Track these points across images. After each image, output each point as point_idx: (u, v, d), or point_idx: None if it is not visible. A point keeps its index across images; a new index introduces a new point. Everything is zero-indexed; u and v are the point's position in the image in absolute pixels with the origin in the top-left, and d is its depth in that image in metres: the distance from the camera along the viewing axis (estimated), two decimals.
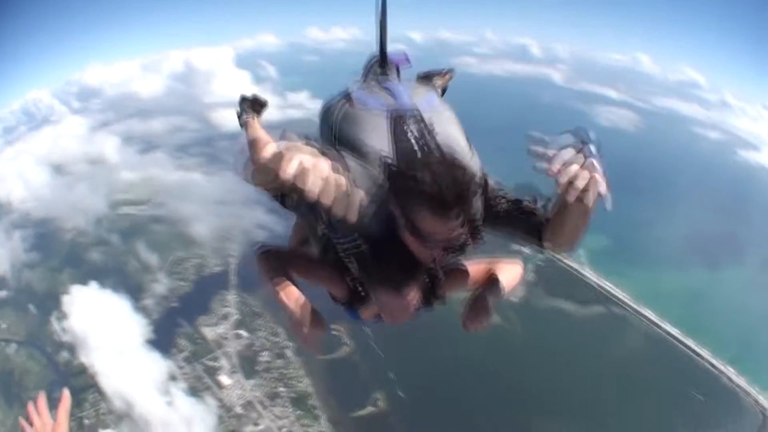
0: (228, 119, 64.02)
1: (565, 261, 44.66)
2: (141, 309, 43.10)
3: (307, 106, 68.21)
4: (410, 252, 2.04)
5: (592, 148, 1.68)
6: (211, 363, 39.25)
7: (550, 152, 1.67)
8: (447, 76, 3.66)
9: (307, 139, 1.82)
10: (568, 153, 1.66)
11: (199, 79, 68.64)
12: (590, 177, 1.61)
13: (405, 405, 36.80)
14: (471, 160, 2.29)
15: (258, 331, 39.59)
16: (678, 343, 39.15)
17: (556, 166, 1.63)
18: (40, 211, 52.06)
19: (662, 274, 46.54)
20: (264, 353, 38.90)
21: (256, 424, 36.40)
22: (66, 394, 2.03)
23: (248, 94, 3.58)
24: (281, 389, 37.72)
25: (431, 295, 2.40)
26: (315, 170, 1.54)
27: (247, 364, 38.63)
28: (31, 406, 2.00)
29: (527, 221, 2.23)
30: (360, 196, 1.68)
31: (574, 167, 1.62)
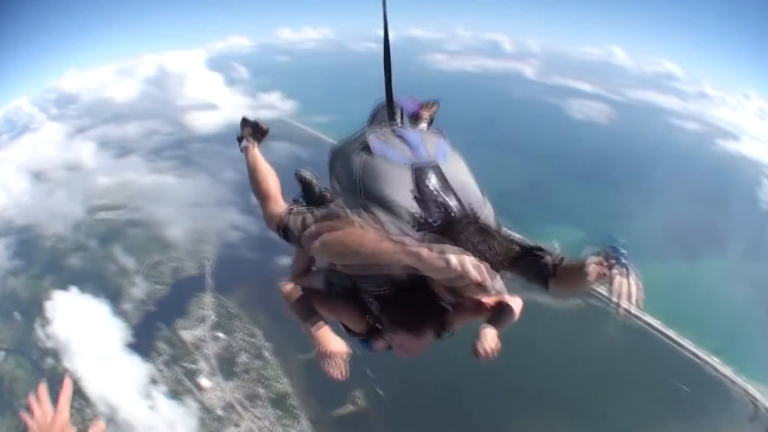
0: (201, 121, 64.73)
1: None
2: (120, 313, 43.33)
3: (278, 106, 69.49)
4: (432, 299, 2.17)
5: (620, 258, 2.04)
6: (190, 366, 39.05)
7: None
8: (433, 108, 3.89)
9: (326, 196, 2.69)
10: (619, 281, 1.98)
11: (172, 83, 69.74)
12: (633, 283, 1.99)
13: (384, 402, 36.28)
14: (485, 208, 2.49)
15: (235, 332, 39.50)
16: (659, 334, 38.97)
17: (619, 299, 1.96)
18: (21, 219, 51.98)
19: (641, 265, 44.47)
20: (242, 354, 38.82)
21: (236, 426, 36.14)
22: (67, 381, 1.97)
23: (250, 117, 3.66)
24: (260, 390, 37.50)
25: (442, 328, 2.48)
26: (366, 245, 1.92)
27: (226, 366, 38.50)
28: (31, 398, 1.94)
29: (536, 269, 2.36)
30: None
31: (624, 285, 2.00)
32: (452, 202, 2.38)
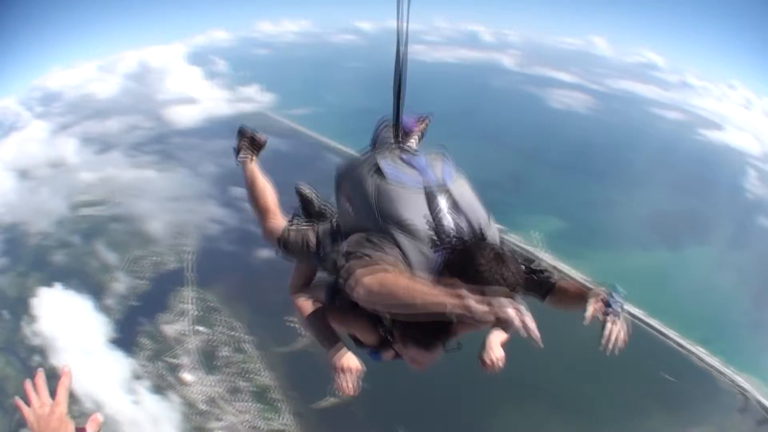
0: (180, 116, 64.52)
1: (520, 244, 43.65)
2: (103, 309, 43.30)
3: (257, 99, 69.75)
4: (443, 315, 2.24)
5: (616, 308, 2.42)
6: (172, 360, 38.96)
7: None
8: (425, 123, 3.92)
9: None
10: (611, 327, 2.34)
11: (153, 78, 70.38)
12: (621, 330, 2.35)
13: (367, 394, 34.65)
14: (492, 227, 2.64)
15: (216, 326, 39.42)
16: (643, 325, 38.49)
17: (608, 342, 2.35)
18: (7, 217, 51.41)
19: (622, 254, 46.06)
20: (223, 348, 38.73)
21: (219, 420, 36.02)
22: (66, 370, 1.91)
23: (248, 128, 3.83)
24: (242, 383, 37.36)
25: (449, 340, 2.58)
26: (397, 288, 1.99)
27: (208, 360, 38.44)
28: (28, 385, 1.89)
29: (536, 285, 2.74)
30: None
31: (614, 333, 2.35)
32: (463, 223, 2.51)
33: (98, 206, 47.25)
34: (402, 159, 2.81)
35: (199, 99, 65.44)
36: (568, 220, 47.06)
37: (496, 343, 3.01)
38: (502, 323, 1.95)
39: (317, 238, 3.24)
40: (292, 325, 38.45)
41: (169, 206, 44.75)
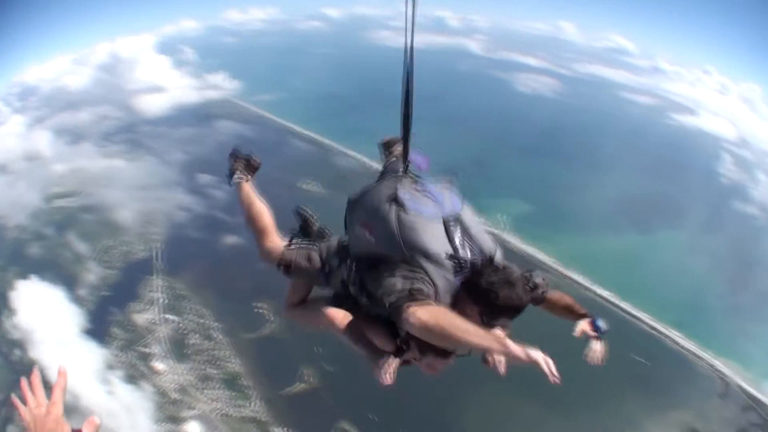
0: (149, 105, 64.31)
1: (487, 228, 42.40)
2: (76, 299, 43.31)
3: (223, 86, 69.81)
4: None
5: (602, 330, 3.04)
6: (144, 349, 38.65)
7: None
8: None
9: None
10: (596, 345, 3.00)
11: (123, 68, 71.18)
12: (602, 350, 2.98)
13: (334, 378, 35.39)
14: (497, 252, 2.94)
15: (185, 313, 39.27)
16: (613, 307, 38.02)
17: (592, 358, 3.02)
18: None
19: (590, 237, 45.72)
20: (192, 336, 38.53)
21: (191, 408, 35.65)
22: (63, 370, 1.97)
23: (241, 151, 3.98)
24: (212, 371, 37.01)
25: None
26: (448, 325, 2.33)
27: (178, 348, 38.20)
28: (24, 384, 1.90)
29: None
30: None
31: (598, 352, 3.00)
32: (475, 249, 2.84)
33: (70, 197, 47.29)
34: (417, 189, 3.03)
35: (167, 88, 65.93)
36: (534, 204, 46.91)
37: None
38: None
39: (321, 257, 3.40)
40: (259, 311, 37.96)
41: (138, 195, 44.91)
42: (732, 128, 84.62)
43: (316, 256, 3.43)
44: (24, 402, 1.83)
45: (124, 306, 40.12)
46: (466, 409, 33.62)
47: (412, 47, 3.32)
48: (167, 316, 39.10)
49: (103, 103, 59.19)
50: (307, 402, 34.76)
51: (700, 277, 44.14)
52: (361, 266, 3.01)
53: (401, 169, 3.39)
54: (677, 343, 37.33)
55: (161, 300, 39.65)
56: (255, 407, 35.06)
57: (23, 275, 45.67)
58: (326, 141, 57.33)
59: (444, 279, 2.66)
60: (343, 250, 3.28)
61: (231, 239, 41.62)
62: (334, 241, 3.52)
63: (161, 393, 35.98)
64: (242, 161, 3.95)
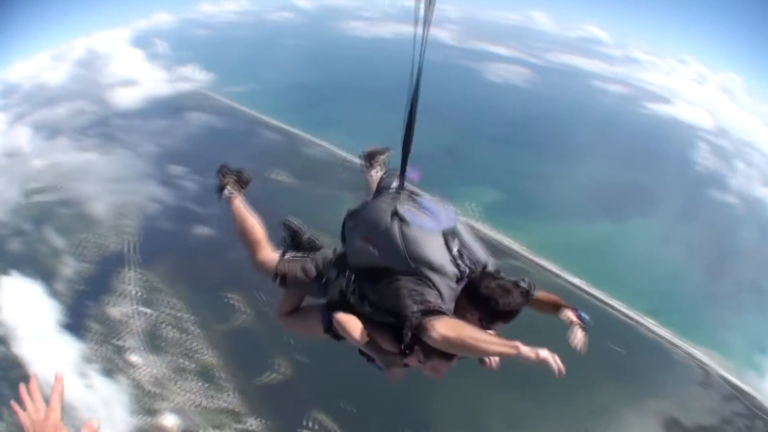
0: (122, 98, 64.34)
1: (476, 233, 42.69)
2: (54, 294, 42.78)
3: (195, 78, 69.69)
4: None
5: (586, 320, 3.20)
6: (119, 343, 38.33)
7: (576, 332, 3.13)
8: (386, 154, 4.55)
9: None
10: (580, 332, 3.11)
11: (99, 63, 71.08)
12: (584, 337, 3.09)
13: (307, 368, 35.43)
14: (489, 259, 3.26)
15: (159, 306, 39.04)
16: (584, 294, 37.68)
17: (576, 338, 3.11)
18: None
19: (561, 226, 45.39)
20: (167, 328, 38.32)
21: (167, 401, 35.47)
22: (59, 376, 2.02)
23: (231, 166, 4.11)
24: (187, 363, 36.81)
25: None
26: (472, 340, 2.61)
27: (152, 341, 38.05)
28: (23, 390, 1.97)
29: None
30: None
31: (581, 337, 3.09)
32: (472, 258, 3.11)
33: (47, 192, 47.12)
34: (415, 205, 3.25)
35: (140, 81, 66.19)
36: (505, 192, 46.67)
37: None
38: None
39: (317, 268, 3.61)
40: (230, 302, 37.69)
41: (111, 188, 45.11)
42: (709, 117, 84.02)
43: (311, 267, 3.62)
44: (23, 407, 1.88)
45: (99, 299, 39.89)
46: (439, 398, 33.15)
47: (419, 74, 3.41)
48: (141, 308, 38.85)
49: (80, 97, 59.49)
50: (281, 392, 34.60)
51: (676, 265, 43.62)
52: (361, 277, 3.19)
53: (398, 185, 3.52)
54: (653, 332, 36.96)
55: (135, 293, 39.47)
56: (229, 398, 34.93)
57: (4, 271, 45.69)
58: (296, 131, 57.04)
59: (448, 288, 2.92)
60: (340, 262, 3.45)
61: (202, 230, 41.44)
62: (327, 251, 3.72)
63: (137, 386, 35.77)
64: (233, 176, 4.03)
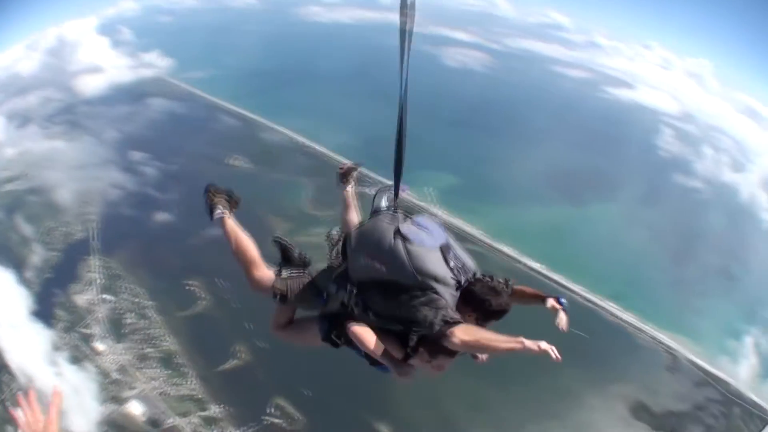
0: (87, 85, 63.67)
1: (414, 200, 42.63)
2: (24, 282, 42.41)
3: (157, 64, 69.80)
4: None
5: (566, 305, 3.54)
6: (85, 330, 37.78)
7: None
8: (358, 170, 4.72)
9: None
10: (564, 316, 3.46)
11: (67, 51, 69.88)
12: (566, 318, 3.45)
13: (266, 354, 34.88)
14: (476, 266, 3.55)
15: (120, 293, 38.52)
16: (543, 279, 37.18)
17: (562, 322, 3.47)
18: None
19: (519, 210, 44.80)
20: (129, 315, 37.77)
21: (132, 388, 35.05)
22: (57, 391, 2.09)
23: (220, 186, 4.11)
24: (149, 350, 36.44)
25: None
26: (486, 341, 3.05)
27: (116, 328, 37.45)
28: (22, 400, 2.03)
29: None
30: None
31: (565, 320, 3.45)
32: (464, 267, 3.40)
33: (17, 181, 46.39)
34: (413, 223, 3.54)
35: (104, 67, 65.93)
36: (462, 177, 46.20)
37: None
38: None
39: (315, 283, 3.78)
40: (190, 288, 37.06)
41: (76, 175, 44.55)
42: (674, 103, 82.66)
43: (308, 283, 3.79)
44: (23, 415, 1.92)
45: (66, 287, 39.33)
46: (397, 383, 32.18)
47: (405, 98, 3.69)
48: (104, 296, 38.30)
49: (48, 85, 59.18)
50: (242, 379, 34.09)
51: (638, 250, 42.87)
52: (364, 290, 3.46)
53: (394, 206, 3.87)
54: (615, 316, 35.76)
55: (98, 280, 38.88)
56: (191, 385, 34.42)
57: None
58: (255, 117, 56.52)
59: (450, 295, 3.26)
60: (339, 278, 3.64)
61: (161, 216, 40.92)
62: (322, 266, 3.89)
63: (103, 373, 35.33)
64: (223, 196, 4.06)
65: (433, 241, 3.36)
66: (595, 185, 51.79)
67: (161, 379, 34.86)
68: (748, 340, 41.17)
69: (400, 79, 3.65)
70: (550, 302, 3.57)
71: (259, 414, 33.23)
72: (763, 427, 35.00)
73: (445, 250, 3.35)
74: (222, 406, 33.89)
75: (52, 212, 42.55)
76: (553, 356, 2.85)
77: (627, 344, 35.97)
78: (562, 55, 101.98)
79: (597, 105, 78.46)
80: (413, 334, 3.17)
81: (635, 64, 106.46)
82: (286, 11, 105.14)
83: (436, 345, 3.12)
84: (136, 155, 46.32)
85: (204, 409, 34.30)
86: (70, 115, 53.64)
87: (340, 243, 3.91)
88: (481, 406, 32.05)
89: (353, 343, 3.52)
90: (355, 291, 3.47)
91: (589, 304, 36.48)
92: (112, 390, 35.05)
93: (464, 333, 3.00)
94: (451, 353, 3.20)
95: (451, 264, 3.30)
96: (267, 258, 3.91)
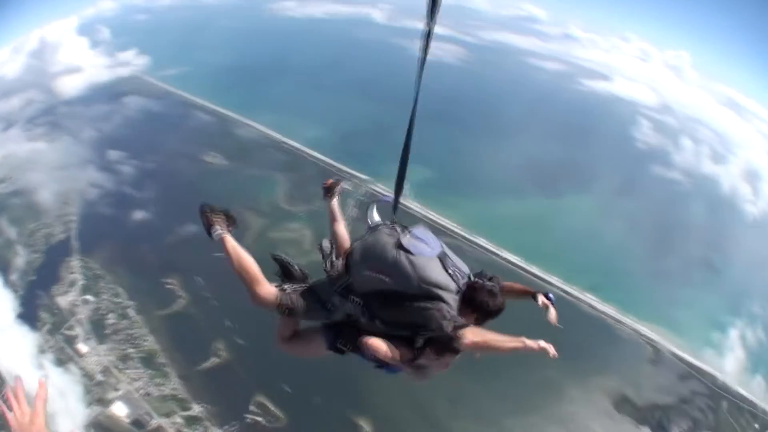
0: (67, 86, 63.40)
1: (386, 193, 40.62)
2: (9, 285, 41.75)
3: (133, 62, 69.60)
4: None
5: (554, 300, 3.72)
6: (68, 332, 37.38)
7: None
8: (341, 184, 4.91)
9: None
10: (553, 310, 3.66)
11: (49, 52, 69.65)
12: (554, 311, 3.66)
13: (246, 352, 34.44)
14: (468, 269, 3.74)
15: (101, 293, 38.17)
16: (520, 270, 36.66)
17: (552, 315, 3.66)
18: None
19: (495, 203, 44.18)
20: (110, 315, 37.45)
21: (116, 389, 34.70)
22: (42, 381, 2.08)
23: (216, 207, 4.10)
24: (131, 350, 36.13)
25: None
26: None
27: (98, 329, 37.06)
28: (10, 393, 2.02)
29: None
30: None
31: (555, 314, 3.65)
32: (460, 272, 3.58)
33: (2, 184, 45.79)
34: (412, 236, 3.65)
35: (83, 67, 65.71)
36: (436, 170, 44.97)
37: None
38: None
39: (320, 296, 3.87)
40: (169, 286, 36.74)
41: (56, 176, 44.23)
42: (652, 94, 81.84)
43: (311, 296, 3.91)
44: (10, 410, 1.94)
45: (48, 289, 38.96)
46: (380, 377, 31.67)
47: (413, 116, 3.83)
48: (86, 297, 37.94)
49: (31, 88, 59.01)
50: (223, 377, 33.67)
51: (616, 241, 42.24)
52: (369, 301, 3.61)
53: (391, 221, 4.06)
54: (594, 308, 35.10)
55: (80, 281, 38.57)
56: (173, 385, 34.08)
57: None
58: (229, 113, 56.19)
59: (453, 299, 3.43)
60: (344, 290, 3.75)
61: (139, 214, 40.62)
62: (321, 278, 4.00)
63: (87, 375, 34.97)
64: (220, 215, 4.08)
65: (431, 251, 3.55)
66: (571, 177, 51.12)
67: (143, 379, 34.46)
68: (734, 333, 40.66)
69: (412, 110, 3.80)
70: (540, 298, 3.82)
71: (241, 412, 32.83)
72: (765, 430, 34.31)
73: (443, 259, 3.55)
74: (203, 405, 33.44)
75: (34, 214, 42.26)
76: (552, 353, 3.28)
77: (607, 336, 35.40)
78: (538, 48, 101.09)
79: (573, 97, 77.40)
80: (420, 337, 3.43)
81: (612, 56, 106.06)
82: (259, 7, 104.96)
83: (443, 345, 3.40)
84: (114, 154, 46.08)
85: (186, 409, 33.85)
86: (51, 116, 53.63)
87: (333, 254, 4.09)
88: (461, 400, 31.58)
89: (359, 350, 3.70)
90: (360, 302, 3.65)
91: (567, 296, 35.91)
92: (96, 392, 34.58)
93: (473, 335, 3.38)
94: (455, 351, 3.45)
95: (450, 270, 3.49)
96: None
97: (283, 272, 4.07)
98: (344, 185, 4.91)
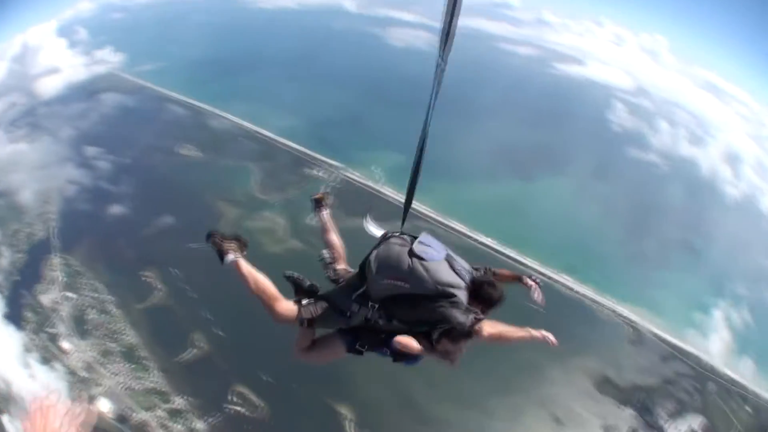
0: (46, 87, 63.57)
1: (362, 181, 43.24)
2: None
3: (109, 60, 69.70)
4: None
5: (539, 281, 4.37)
6: (51, 330, 37.19)
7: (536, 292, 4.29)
8: (329, 196, 5.21)
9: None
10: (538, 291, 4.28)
11: (30, 56, 69.70)
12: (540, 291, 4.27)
13: (225, 343, 33.74)
14: (470, 267, 4.11)
15: (81, 289, 37.85)
16: (495, 253, 36.27)
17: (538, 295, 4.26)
18: None
19: (467, 186, 44.01)
20: (90, 311, 37.11)
21: (99, 385, 34.42)
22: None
23: (227, 233, 4.32)
24: (112, 345, 35.80)
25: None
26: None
27: (79, 325, 36.80)
28: (35, 405, 2.03)
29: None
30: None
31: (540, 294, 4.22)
32: (464, 270, 3.93)
33: None
34: (421, 243, 3.97)
35: (61, 68, 65.94)
36: (409, 155, 42.55)
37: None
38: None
39: (336, 304, 4.19)
40: (146, 279, 36.35)
41: (36, 175, 44.04)
42: (627, 78, 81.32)
43: (328, 307, 4.22)
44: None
45: (31, 288, 38.70)
46: (358, 360, 30.98)
47: (426, 128, 3.95)
48: (66, 293, 37.59)
49: (13, 91, 59.43)
50: (202, 368, 33.29)
51: (592, 223, 41.78)
52: (386, 305, 3.96)
53: (400, 230, 4.29)
54: (571, 289, 34.49)
55: (61, 278, 38.20)
56: (154, 378, 33.83)
57: None
58: (203, 105, 56.06)
59: (464, 295, 3.80)
60: (360, 298, 4.08)
61: (115, 209, 40.28)
62: (335, 290, 4.35)
63: (71, 372, 34.68)
64: (233, 241, 4.25)
65: (439, 255, 3.87)
66: (545, 160, 50.71)
67: (125, 373, 34.20)
68: (717, 314, 39.73)
69: (424, 124, 3.91)
70: (527, 280, 4.35)
71: (222, 403, 32.38)
72: None
73: (450, 260, 3.87)
74: (184, 397, 33.02)
75: (16, 214, 42.00)
76: (551, 342, 3.84)
77: (585, 317, 34.85)
78: (510, 33, 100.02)
79: (546, 81, 76.76)
80: (436, 331, 3.77)
81: (585, 40, 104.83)
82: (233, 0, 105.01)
83: (458, 336, 3.75)
84: (90, 150, 46.07)
85: (168, 402, 33.42)
86: (32, 117, 53.85)
87: (334, 263, 4.62)
88: (440, 382, 30.85)
89: (375, 348, 4.10)
90: (377, 306, 3.96)
91: (542, 277, 34.58)
92: (80, 389, 34.28)
93: (490, 327, 3.91)
94: (468, 337, 3.80)
95: (457, 270, 3.83)
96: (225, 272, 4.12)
97: (296, 288, 4.34)
98: (332, 198, 5.17)
